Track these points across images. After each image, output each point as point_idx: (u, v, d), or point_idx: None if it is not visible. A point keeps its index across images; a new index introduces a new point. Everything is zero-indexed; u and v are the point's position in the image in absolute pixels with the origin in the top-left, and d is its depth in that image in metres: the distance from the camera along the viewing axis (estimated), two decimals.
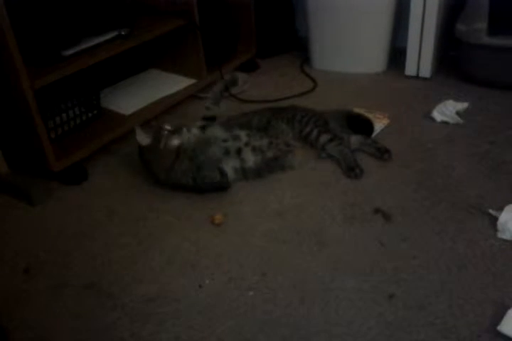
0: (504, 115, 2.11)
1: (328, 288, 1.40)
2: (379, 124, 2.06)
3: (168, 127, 1.72)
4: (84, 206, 1.76)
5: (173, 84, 2.28)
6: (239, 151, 1.76)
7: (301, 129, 1.87)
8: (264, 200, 1.72)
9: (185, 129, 1.73)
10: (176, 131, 1.72)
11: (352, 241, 1.55)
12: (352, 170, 1.79)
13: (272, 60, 2.71)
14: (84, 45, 1.82)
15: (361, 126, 1.98)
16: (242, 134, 1.79)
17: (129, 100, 2.17)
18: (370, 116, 2.08)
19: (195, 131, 1.77)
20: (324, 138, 1.86)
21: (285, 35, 2.77)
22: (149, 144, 1.73)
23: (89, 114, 2.00)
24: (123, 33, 1.93)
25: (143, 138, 1.73)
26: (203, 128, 1.78)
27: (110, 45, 1.89)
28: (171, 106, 2.21)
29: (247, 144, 1.77)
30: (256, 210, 1.65)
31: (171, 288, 1.43)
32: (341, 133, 1.91)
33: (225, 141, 1.77)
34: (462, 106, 2.11)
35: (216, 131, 1.79)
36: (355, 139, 1.92)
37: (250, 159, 1.77)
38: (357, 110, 2.12)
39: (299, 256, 1.51)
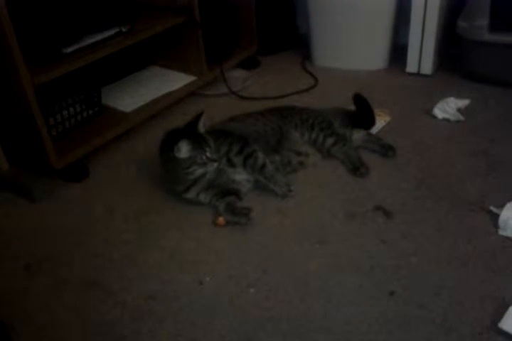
0: (505, 112, 2.10)
1: (329, 285, 1.40)
2: (380, 121, 2.05)
3: (209, 155, 1.61)
4: (85, 203, 1.76)
5: (173, 81, 2.28)
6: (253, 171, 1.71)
7: (309, 135, 1.86)
8: (265, 197, 1.72)
9: (216, 164, 1.64)
10: (211, 160, 1.62)
11: (353, 238, 1.55)
12: (358, 170, 1.79)
13: (273, 57, 2.70)
14: (84, 43, 1.81)
15: (363, 116, 1.97)
16: (260, 156, 1.71)
17: (130, 97, 2.17)
18: None
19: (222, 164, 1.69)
20: (329, 142, 1.85)
21: (286, 32, 2.76)
22: (181, 159, 1.61)
23: (90, 111, 2.00)
24: (123, 30, 1.93)
25: (183, 152, 1.60)
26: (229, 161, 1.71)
27: (111, 42, 1.88)
28: (171, 103, 2.20)
29: (262, 166, 1.70)
30: (257, 207, 1.65)
31: (171, 285, 1.43)
32: (344, 131, 1.90)
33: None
34: (463, 103, 2.11)
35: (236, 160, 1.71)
36: (358, 136, 1.92)
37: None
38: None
39: (300, 253, 1.51)
